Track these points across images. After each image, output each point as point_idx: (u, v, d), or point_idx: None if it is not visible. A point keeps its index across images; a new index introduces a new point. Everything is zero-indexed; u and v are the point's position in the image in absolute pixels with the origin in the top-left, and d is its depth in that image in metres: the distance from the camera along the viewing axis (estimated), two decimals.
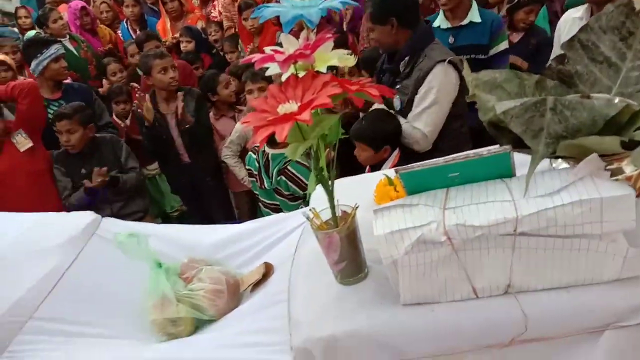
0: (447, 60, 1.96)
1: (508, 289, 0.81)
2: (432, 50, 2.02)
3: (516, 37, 2.98)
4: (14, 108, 2.70)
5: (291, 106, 0.80)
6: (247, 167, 2.52)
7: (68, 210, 2.47)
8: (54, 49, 2.93)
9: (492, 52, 2.57)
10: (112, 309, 1.14)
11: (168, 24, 4.26)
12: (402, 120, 2.05)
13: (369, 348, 0.82)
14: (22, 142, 2.64)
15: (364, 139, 2.06)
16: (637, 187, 0.79)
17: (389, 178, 1.12)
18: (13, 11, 5.52)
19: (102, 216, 1.40)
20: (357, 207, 0.89)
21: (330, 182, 0.87)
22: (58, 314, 1.10)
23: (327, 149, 0.86)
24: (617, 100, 0.80)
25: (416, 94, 1.99)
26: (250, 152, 2.47)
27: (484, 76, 0.93)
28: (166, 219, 3.14)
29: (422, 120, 2.00)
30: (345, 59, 0.87)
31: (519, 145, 0.83)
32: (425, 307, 0.82)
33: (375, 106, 2.14)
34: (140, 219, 2.62)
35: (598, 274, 0.78)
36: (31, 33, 4.05)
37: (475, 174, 0.84)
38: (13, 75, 3.28)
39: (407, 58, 2.04)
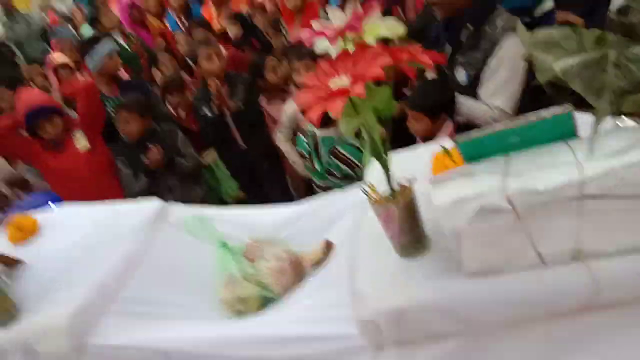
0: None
1: (576, 255, 0.79)
2: (498, 16, 1.79)
3: None
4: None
5: (343, 80, 0.80)
6: (298, 149, 2.54)
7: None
8: (105, 46, 3.05)
9: (537, 13, 2.40)
10: (185, 289, 1.21)
11: (213, 10, 4.31)
12: (469, 100, 1.84)
13: (435, 319, 0.82)
14: (82, 142, 2.78)
15: (421, 107, 1.94)
16: None
17: (445, 149, 1.11)
18: (68, 12, 5.78)
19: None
20: (414, 178, 0.89)
21: (385, 156, 0.87)
22: (138, 295, 1.18)
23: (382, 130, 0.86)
24: None
25: (485, 66, 1.77)
26: (299, 134, 2.49)
27: (540, 35, 0.89)
28: (224, 206, 3.22)
29: (501, 97, 1.77)
30: (394, 28, 0.86)
31: (581, 105, 0.80)
32: (490, 276, 0.82)
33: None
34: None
35: None
36: (85, 30, 4.21)
37: (537, 137, 0.81)
38: (73, 74, 3.45)
39: (470, 27, 1.81)
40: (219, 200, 3.12)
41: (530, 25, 2.28)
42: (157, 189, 2.73)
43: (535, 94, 1.61)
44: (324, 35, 0.85)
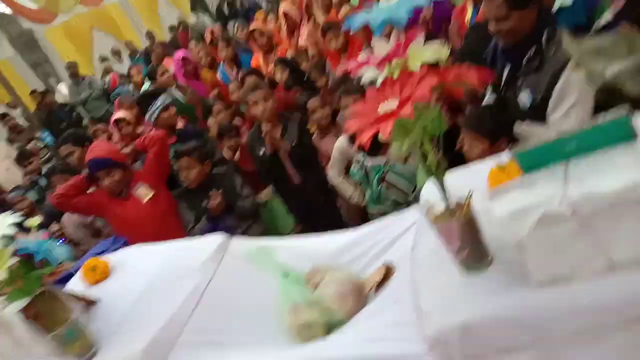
0: None
1: None
2: (562, 37, 1.64)
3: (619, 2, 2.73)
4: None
5: (391, 104, 0.83)
6: (352, 177, 2.59)
7: None
8: (161, 100, 3.26)
9: (596, 27, 2.34)
10: (251, 319, 1.24)
11: (261, 59, 4.51)
12: (534, 125, 1.76)
13: (504, 332, 0.81)
14: (144, 193, 2.93)
15: (482, 129, 1.85)
16: None
17: (500, 165, 1.11)
18: (126, 72, 6.20)
19: None
20: (472, 193, 0.89)
21: (440, 172, 0.89)
22: (204, 326, 1.22)
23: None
24: None
25: (551, 90, 1.68)
26: (352, 166, 2.54)
27: (588, 43, 0.90)
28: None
29: (570, 121, 1.67)
30: (438, 51, 0.90)
31: (637, 107, 0.79)
32: (559, 284, 0.80)
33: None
34: None
35: None
36: (146, 87, 4.50)
37: (595, 142, 0.81)
38: (133, 129, 3.68)
39: (533, 49, 1.74)
40: (277, 235, 3.17)
41: None
42: (217, 230, 2.82)
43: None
44: (369, 64, 0.89)
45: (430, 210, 0.93)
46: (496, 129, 1.83)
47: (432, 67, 0.88)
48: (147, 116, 3.29)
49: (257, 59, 4.56)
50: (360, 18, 0.86)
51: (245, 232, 2.90)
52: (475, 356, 0.84)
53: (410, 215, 1.28)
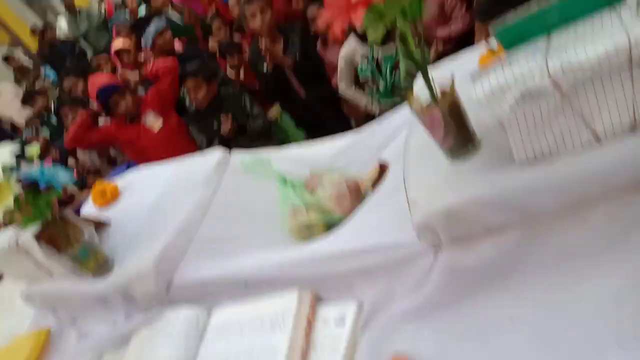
0: None
1: (635, 126, 0.75)
2: None
3: None
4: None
5: None
6: (361, 76, 2.55)
7: None
8: (154, 25, 3.17)
9: None
10: (254, 224, 1.28)
11: None
12: None
13: (489, 212, 0.82)
14: (154, 122, 2.95)
15: (491, 18, 1.86)
16: None
17: (491, 49, 1.07)
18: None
19: None
20: (454, 78, 0.87)
21: (421, 58, 0.86)
22: (212, 236, 1.27)
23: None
24: None
25: None
26: (360, 64, 2.49)
27: None
28: None
29: None
30: None
31: None
32: (543, 161, 0.80)
33: None
34: None
35: None
36: (142, 12, 4.38)
37: (578, 10, 0.76)
38: (134, 57, 3.62)
39: None
40: None
41: None
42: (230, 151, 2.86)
43: None
44: None
45: (415, 100, 0.91)
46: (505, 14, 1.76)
47: None
48: (142, 43, 3.23)
49: None
50: None
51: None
52: (460, 239, 0.86)
53: (404, 112, 1.26)
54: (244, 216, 1.31)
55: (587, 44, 0.72)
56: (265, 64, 3.03)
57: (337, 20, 0.78)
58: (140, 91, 3.16)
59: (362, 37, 2.43)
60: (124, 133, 2.93)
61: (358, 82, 2.71)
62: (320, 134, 3.16)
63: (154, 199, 1.46)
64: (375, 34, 0.80)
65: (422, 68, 0.87)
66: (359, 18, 0.76)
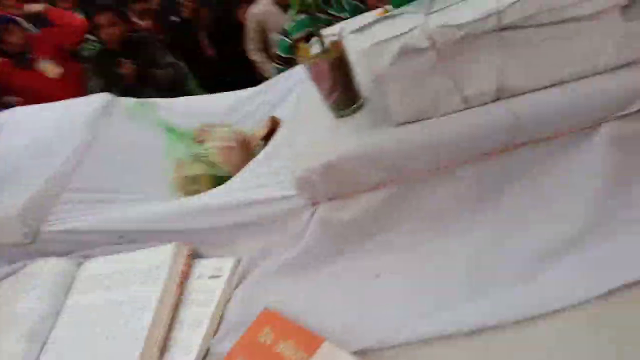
0: None
1: (499, 94, 0.78)
2: None
3: None
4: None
5: None
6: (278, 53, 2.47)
7: None
8: None
9: None
10: (136, 175, 1.21)
11: None
12: None
13: (363, 170, 0.83)
14: (51, 69, 2.71)
15: None
16: None
17: (386, 9, 1.07)
18: None
19: None
20: (342, 33, 0.86)
21: (311, 8, 0.84)
22: (88, 184, 1.19)
23: None
24: None
25: None
26: (280, 37, 2.41)
27: None
28: None
29: None
30: None
31: None
32: (417, 124, 0.81)
33: None
34: None
35: (592, 62, 0.74)
36: None
37: None
38: None
39: None
40: None
41: None
42: None
43: None
44: None
45: (303, 49, 0.89)
46: None
47: None
48: None
49: None
50: None
51: None
52: (338, 194, 0.87)
53: (301, 70, 1.24)
54: (126, 166, 1.23)
55: (465, 6, 0.73)
56: (177, 13, 2.85)
57: None
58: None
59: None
60: (18, 74, 2.68)
61: (267, 48, 2.64)
62: None
63: (28, 141, 1.33)
64: None
65: (309, 17, 0.85)
66: None
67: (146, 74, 2.67)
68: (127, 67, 2.60)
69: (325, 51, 0.86)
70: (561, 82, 0.76)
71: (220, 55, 3.01)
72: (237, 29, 2.97)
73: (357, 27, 0.80)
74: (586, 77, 0.75)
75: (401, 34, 0.74)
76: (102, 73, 2.72)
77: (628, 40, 0.71)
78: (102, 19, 2.60)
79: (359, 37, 0.79)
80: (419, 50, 0.74)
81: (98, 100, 1.38)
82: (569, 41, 0.72)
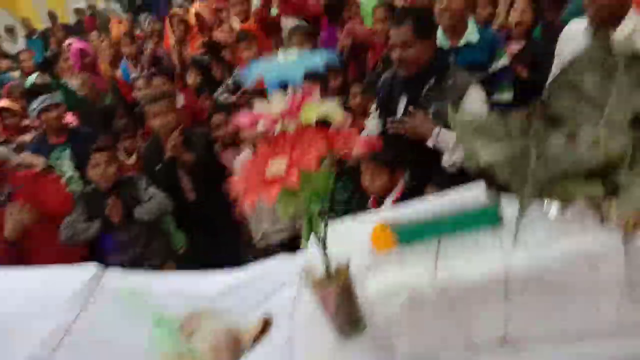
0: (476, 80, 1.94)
1: (505, 341, 0.80)
2: (457, 69, 1.97)
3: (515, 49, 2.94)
4: None
5: (280, 166, 0.81)
6: None
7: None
8: (39, 102, 2.92)
9: (492, 69, 2.49)
10: None
11: (172, 41, 4.30)
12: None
13: None
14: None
15: (381, 159, 1.99)
16: (629, 229, 0.79)
17: (384, 225, 1.13)
18: (16, 53, 5.64)
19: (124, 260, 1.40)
20: (349, 263, 0.89)
21: (322, 235, 0.88)
22: None
23: None
24: (601, 142, 0.81)
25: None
26: None
27: (469, 120, 0.93)
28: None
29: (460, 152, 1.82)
30: (333, 112, 0.88)
31: (507, 188, 0.84)
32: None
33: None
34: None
35: (592, 325, 0.78)
36: (32, 77, 4.11)
37: (466, 224, 0.85)
38: (18, 120, 3.35)
39: (433, 79, 1.93)
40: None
41: (486, 82, 2.32)
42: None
43: None
44: (262, 118, 0.86)
45: (310, 273, 0.92)
46: (394, 158, 1.93)
47: (324, 125, 0.87)
48: (30, 112, 3.01)
49: (168, 44, 4.36)
50: (258, 69, 0.83)
51: (146, 248, 2.70)
52: None
53: (297, 261, 1.26)
54: (105, 352, 1.17)
55: (472, 260, 0.78)
56: (159, 165, 2.87)
57: (249, 193, 0.79)
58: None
59: None
60: None
61: None
62: (205, 240, 3.06)
63: (7, 314, 1.25)
64: (284, 212, 0.82)
65: (323, 247, 0.88)
66: (271, 199, 0.77)
67: (130, 214, 2.63)
68: (116, 211, 2.56)
69: (331, 277, 0.89)
70: (564, 337, 0.79)
71: (201, 198, 3.03)
72: (221, 173, 3.04)
73: (369, 265, 0.84)
74: (587, 336, 0.78)
75: (410, 282, 0.78)
76: (93, 214, 2.62)
77: (627, 310, 0.76)
78: (99, 158, 2.59)
79: (370, 276, 0.83)
80: (426, 300, 0.78)
81: (85, 273, 1.34)
82: (571, 305, 0.77)
